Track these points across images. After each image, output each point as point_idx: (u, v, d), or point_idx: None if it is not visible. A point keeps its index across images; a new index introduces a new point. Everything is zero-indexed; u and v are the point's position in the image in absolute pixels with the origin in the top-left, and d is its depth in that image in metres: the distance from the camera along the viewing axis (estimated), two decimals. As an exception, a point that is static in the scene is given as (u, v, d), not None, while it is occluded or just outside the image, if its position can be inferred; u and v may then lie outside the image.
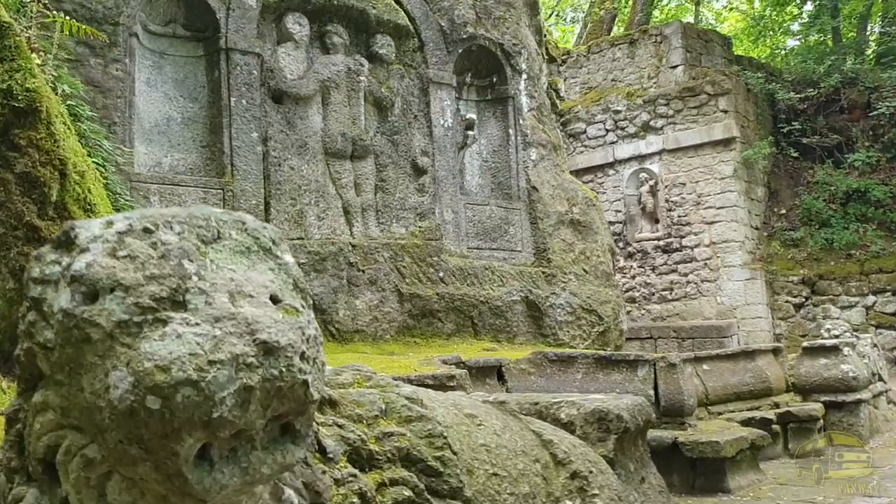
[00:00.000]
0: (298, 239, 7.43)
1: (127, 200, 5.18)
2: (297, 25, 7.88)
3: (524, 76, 9.38)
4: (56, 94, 4.41)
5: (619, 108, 15.14)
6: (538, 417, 2.28)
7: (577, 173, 14.06)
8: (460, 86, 9.15)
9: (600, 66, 16.01)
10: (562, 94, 14.95)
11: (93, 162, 4.21)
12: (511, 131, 9.21)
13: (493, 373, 6.24)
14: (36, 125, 3.42)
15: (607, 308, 9.04)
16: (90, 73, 6.62)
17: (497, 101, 9.38)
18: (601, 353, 6.92)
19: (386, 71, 8.43)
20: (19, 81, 3.36)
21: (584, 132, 15.65)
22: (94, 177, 3.86)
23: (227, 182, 7.17)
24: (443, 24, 8.75)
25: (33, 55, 3.59)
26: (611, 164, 15.32)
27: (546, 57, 10.73)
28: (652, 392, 6.38)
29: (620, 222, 15.15)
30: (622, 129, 15.13)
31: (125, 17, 6.87)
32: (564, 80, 15.84)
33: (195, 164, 7.35)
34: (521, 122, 9.26)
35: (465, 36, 8.89)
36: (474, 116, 9.11)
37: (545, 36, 11.05)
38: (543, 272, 8.83)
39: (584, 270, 9.04)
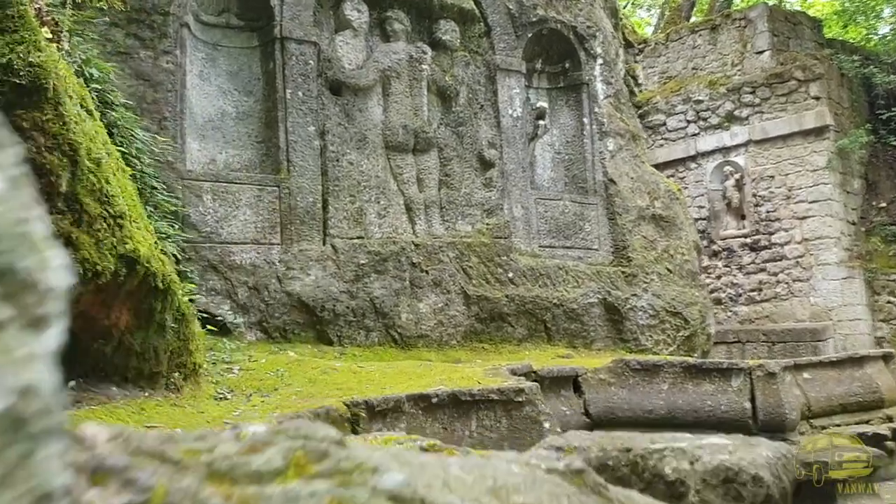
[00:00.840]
0: (358, 238, 6.99)
1: (165, 197, 4.77)
2: (356, 12, 7.45)
3: (599, 61, 8.72)
4: (84, 77, 4.03)
5: (700, 98, 14.26)
6: (632, 473, 1.57)
7: (657, 168, 13.28)
8: (530, 73, 8.55)
9: (680, 55, 15.14)
10: (640, 82, 14.17)
11: (120, 151, 3.81)
12: (586, 120, 8.55)
13: (568, 383, 5.66)
14: (41, 105, 3.02)
15: (693, 310, 8.31)
16: (140, 66, 6.32)
17: (570, 88, 8.74)
18: (689, 360, 6.27)
19: (450, 58, 7.92)
20: (21, 55, 2.95)
21: (664, 124, 14.80)
22: (116, 166, 3.44)
23: (283, 179, 6.77)
24: (510, 6, 8.17)
25: (44, 28, 3.20)
26: (692, 158, 14.45)
27: (623, 42, 10.04)
28: (748, 405, 5.78)
29: (704, 219, 14.25)
30: (704, 119, 14.24)
31: (175, 7, 6.54)
32: (642, 69, 15.03)
33: (250, 160, 6.99)
34: (596, 110, 8.60)
35: (534, 19, 8.31)
36: (545, 105, 8.49)
37: (621, 19, 10.37)
38: (623, 272, 8.17)
39: (668, 269, 8.32)
